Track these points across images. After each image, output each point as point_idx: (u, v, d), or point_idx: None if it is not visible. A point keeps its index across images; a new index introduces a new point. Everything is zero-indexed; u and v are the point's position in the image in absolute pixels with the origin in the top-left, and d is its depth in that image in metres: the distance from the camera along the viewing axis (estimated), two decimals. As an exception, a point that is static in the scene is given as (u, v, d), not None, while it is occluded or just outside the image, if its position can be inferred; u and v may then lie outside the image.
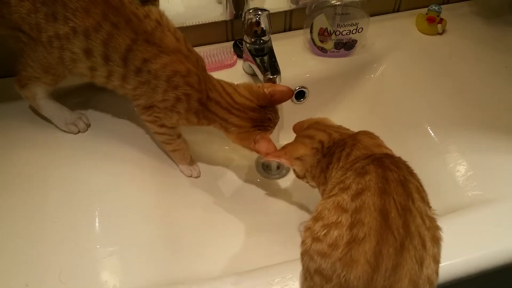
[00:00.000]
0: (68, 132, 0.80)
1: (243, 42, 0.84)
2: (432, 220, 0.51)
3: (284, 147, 0.69)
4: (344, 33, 0.90)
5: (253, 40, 0.81)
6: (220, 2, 0.90)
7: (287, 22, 0.98)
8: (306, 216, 0.82)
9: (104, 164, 0.76)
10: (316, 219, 0.52)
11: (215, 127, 0.75)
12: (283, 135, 0.90)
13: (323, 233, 0.50)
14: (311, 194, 0.73)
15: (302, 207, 0.85)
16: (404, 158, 0.58)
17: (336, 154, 0.62)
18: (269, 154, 0.70)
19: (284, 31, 0.99)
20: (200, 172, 0.85)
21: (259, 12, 0.79)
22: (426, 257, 0.48)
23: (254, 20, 0.79)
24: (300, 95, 0.92)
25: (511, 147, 0.76)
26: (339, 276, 0.47)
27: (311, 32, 0.90)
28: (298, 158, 0.67)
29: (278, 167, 0.92)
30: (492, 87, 0.86)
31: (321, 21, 0.88)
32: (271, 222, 0.82)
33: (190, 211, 0.80)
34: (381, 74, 0.94)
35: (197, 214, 0.80)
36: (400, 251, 0.46)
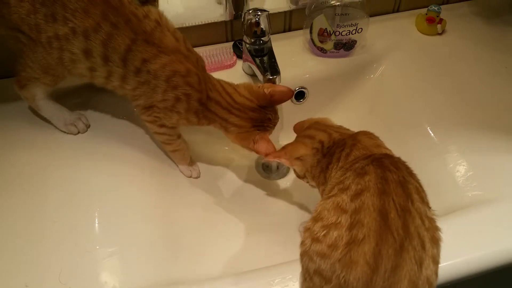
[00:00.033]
0: (67, 133, 0.80)
1: (243, 43, 0.84)
2: (432, 221, 0.51)
3: (284, 147, 0.69)
4: (343, 33, 0.90)
5: (252, 40, 0.81)
6: (219, 3, 0.90)
7: (286, 22, 0.98)
8: (306, 216, 0.82)
9: (103, 164, 0.76)
10: (315, 219, 0.52)
11: (215, 127, 0.75)
12: (283, 136, 0.90)
13: (322, 233, 0.50)
14: (311, 194, 0.73)
15: (302, 207, 0.85)
16: (404, 158, 0.58)
17: (336, 154, 0.62)
18: (268, 154, 0.70)
19: (284, 31, 0.99)
20: (200, 173, 0.85)
21: (259, 13, 0.79)
22: (426, 258, 0.48)
23: (253, 20, 0.79)
24: (299, 95, 0.92)
25: (511, 147, 0.76)
26: (339, 277, 0.47)
27: (310, 32, 0.90)
28: (298, 158, 0.67)
29: (278, 167, 0.92)
30: (492, 87, 0.86)
31: (320, 22, 0.88)
32: (271, 222, 0.82)
33: (190, 211, 0.80)
34: (381, 74, 0.94)
35: (197, 214, 0.80)
36: (400, 252, 0.46)
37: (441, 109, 0.84)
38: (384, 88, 0.93)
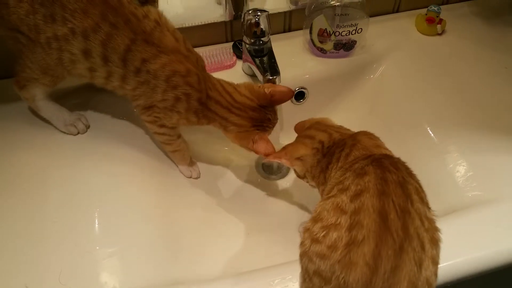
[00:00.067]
0: (67, 133, 0.80)
1: (243, 43, 0.84)
2: (431, 222, 0.51)
3: (284, 148, 0.69)
4: (343, 33, 0.90)
5: (252, 41, 0.81)
6: (219, 3, 0.90)
7: (286, 22, 0.98)
8: (306, 217, 0.82)
9: (103, 164, 0.76)
10: (315, 220, 0.52)
11: (215, 126, 0.75)
12: (283, 136, 0.89)
13: (322, 234, 0.50)
14: (311, 194, 0.73)
15: (302, 207, 0.85)
16: (403, 158, 0.58)
17: (336, 154, 0.62)
18: (268, 154, 0.70)
19: (284, 32, 0.99)
20: (199, 173, 0.85)
21: (259, 13, 0.79)
22: (425, 259, 0.48)
23: (253, 21, 0.79)
24: (299, 96, 0.92)
25: (511, 147, 0.76)
26: (338, 278, 0.46)
27: (310, 32, 0.90)
28: (298, 159, 0.67)
29: (278, 168, 0.92)
30: (492, 87, 0.86)
31: (320, 22, 0.88)
32: (271, 222, 0.82)
33: (190, 211, 0.80)
34: (381, 74, 0.94)
35: (197, 214, 0.80)
36: (399, 253, 0.46)
37: (441, 109, 0.84)
38: (384, 88, 0.93)
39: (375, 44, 0.95)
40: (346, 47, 0.92)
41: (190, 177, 0.84)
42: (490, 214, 0.66)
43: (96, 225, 0.68)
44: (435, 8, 0.96)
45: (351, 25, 0.88)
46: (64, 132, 0.80)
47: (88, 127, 0.81)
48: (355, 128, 0.68)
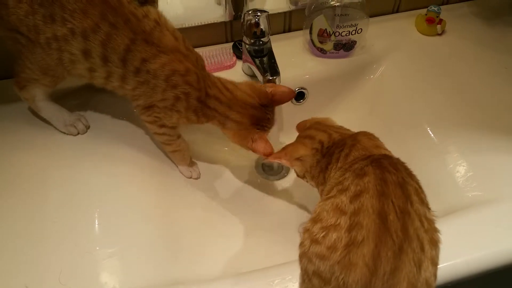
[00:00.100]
0: (67, 134, 0.80)
1: (243, 43, 0.84)
2: (431, 222, 0.51)
3: (284, 148, 0.69)
4: (343, 34, 0.90)
5: (252, 41, 0.81)
6: (219, 3, 0.90)
7: (286, 23, 0.98)
8: (306, 217, 0.82)
9: (103, 165, 0.76)
10: (314, 220, 0.52)
11: (214, 124, 0.75)
12: (283, 136, 0.90)
13: (321, 235, 0.50)
14: (311, 194, 0.73)
15: (302, 207, 0.85)
16: (403, 158, 0.58)
17: (335, 155, 0.62)
18: (267, 154, 0.70)
19: (284, 32, 0.99)
20: (200, 174, 0.85)
21: (258, 13, 0.79)
22: (425, 260, 0.48)
23: (253, 21, 0.79)
24: (299, 96, 0.92)
25: (511, 148, 0.75)
26: (338, 279, 0.47)
27: (310, 33, 0.90)
28: (298, 159, 0.67)
29: (278, 168, 0.92)
30: (491, 87, 0.86)
31: (320, 22, 0.88)
32: (271, 222, 0.82)
33: (190, 211, 0.80)
34: (381, 75, 0.94)
35: (197, 214, 0.80)
36: (399, 255, 0.46)
37: (441, 110, 0.84)
38: (384, 88, 0.93)
39: (375, 44, 0.95)
40: (346, 47, 0.92)
41: (190, 178, 0.84)
42: (490, 214, 0.66)
43: (96, 225, 0.68)
44: (435, 8, 0.96)
45: (351, 26, 0.88)
46: (64, 133, 0.80)
47: (88, 127, 0.81)
48: (355, 129, 0.68)
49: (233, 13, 0.90)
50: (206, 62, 0.81)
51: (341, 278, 0.46)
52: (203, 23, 0.91)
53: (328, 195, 0.54)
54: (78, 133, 0.80)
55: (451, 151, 0.78)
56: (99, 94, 0.82)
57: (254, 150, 0.72)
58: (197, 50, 0.75)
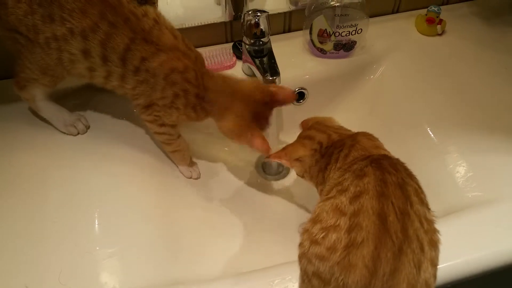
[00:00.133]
0: (67, 134, 0.80)
1: (242, 44, 0.84)
2: (430, 223, 0.51)
3: (284, 148, 0.70)
4: (343, 34, 0.90)
5: (252, 41, 0.81)
6: (219, 4, 0.90)
7: (286, 23, 0.98)
8: (306, 217, 0.81)
9: (103, 165, 0.76)
10: (314, 221, 0.52)
11: (213, 117, 0.74)
12: (283, 136, 0.90)
13: (321, 236, 0.50)
14: (311, 194, 0.73)
15: (302, 207, 0.85)
16: (403, 159, 0.58)
17: (334, 155, 0.62)
18: (264, 151, 0.70)
19: (284, 32, 0.99)
20: (200, 174, 0.85)
21: (258, 14, 0.78)
22: (424, 260, 0.48)
23: (253, 21, 0.79)
24: (299, 96, 0.92)
25: (511, 148, 0.75)
26: (337, 280, 0.47)
27: (310, 33, 0.90)
28: (297, 159, 0.67)
29: (277, 168, 0.92)
30: (492, 87, 0.86)
31: (320, 22, 0.88)
32: (271, 222, 0.82)
33: (190, 211, 0.80)
34: (381, 75, 0.94)
35: (197, 214, 0.80)
36: (398, 256, 0.46)
37: (441, 110, 0.84)
38: (384, 88, 0.93)
39: (375, 44, 0.95)
40: (346, 47, 0.92)
41: (190, 178, 0.84)
42: (490, 215, 0.66)
43: (96, 225, 0.68)
44: (435, 9, 0.96)
45: (351, 26, 0.88)
46: (64, 133, 0.80)
47: (88, 127, 0.81)
48: (355, 129, 0.68)
49: (233, 13, 0.90)
50: (206, 63, 0.81)
51: (341, 279, 0.46)
52: (203, 24, 0.91)
53: (328, 196, 0.54)
54: (78, 133, 0.80)
55: (451, 151, 0.78)
56: (99, 94, 0.82)
57: (251, 145, 0.71)
58: (197, 50, 0.75)
